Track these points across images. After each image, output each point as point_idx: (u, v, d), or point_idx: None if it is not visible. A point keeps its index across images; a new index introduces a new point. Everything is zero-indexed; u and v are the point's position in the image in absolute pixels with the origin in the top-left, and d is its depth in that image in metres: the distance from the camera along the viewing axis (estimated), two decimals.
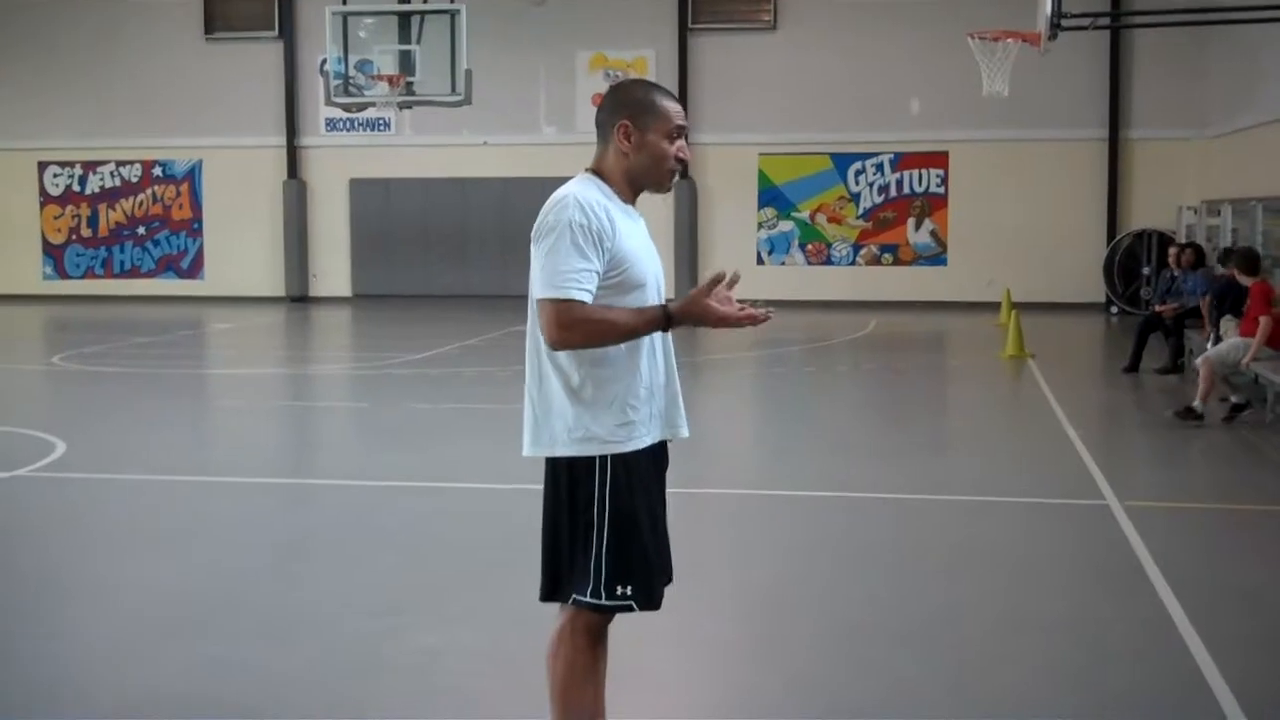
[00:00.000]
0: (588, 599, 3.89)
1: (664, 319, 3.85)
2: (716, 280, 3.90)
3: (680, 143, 3.98)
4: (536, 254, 3.82)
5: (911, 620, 6.13)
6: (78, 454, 10.34)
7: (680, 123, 3.97)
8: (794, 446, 11.22)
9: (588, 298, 3.76)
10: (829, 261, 26.77)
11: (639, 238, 3.96)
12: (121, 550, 7.64)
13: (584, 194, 3.84)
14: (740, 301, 3.93)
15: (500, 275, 26.03)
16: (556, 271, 3.75)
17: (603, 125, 3.99)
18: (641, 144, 3.93)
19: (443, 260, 27.53)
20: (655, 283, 3.98)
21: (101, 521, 8.39)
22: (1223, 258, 15.30)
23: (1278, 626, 6.20)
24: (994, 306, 23.02)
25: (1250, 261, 12.49)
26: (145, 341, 19.71)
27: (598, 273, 3.79)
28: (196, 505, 8.86)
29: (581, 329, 3.75)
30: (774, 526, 8.30)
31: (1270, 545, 7.82)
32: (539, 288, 3.80)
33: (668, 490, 4.13)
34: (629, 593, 3.89)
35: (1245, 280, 12.29)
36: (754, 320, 3.90)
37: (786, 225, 26.87)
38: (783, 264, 26.87)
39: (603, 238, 3.79)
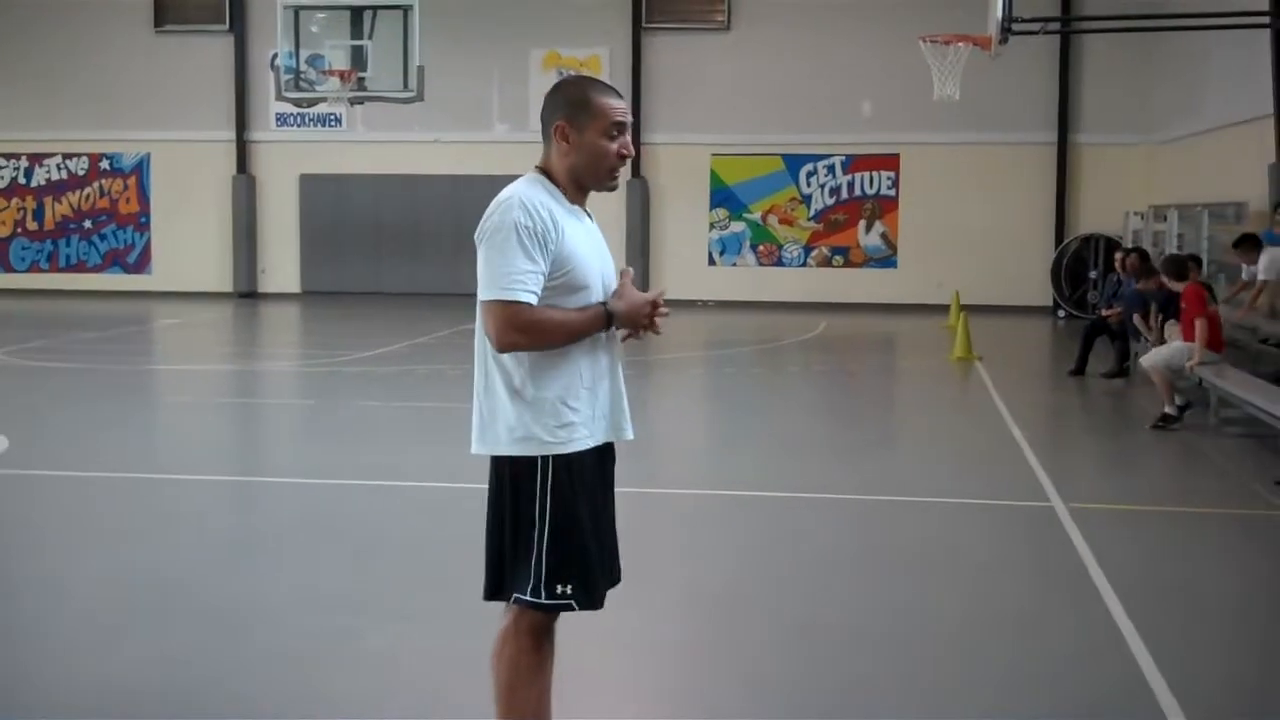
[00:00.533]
0: (528, 598, 3.90)
1: (605, 316, 3.88)
2: (626, 275, 3.99)
3: (623, 139, 3.94)
4: (481, 255, 3.83)
5: (862, 620, 6.17)
6: (21, 450, 10.23)
7: (618, 119, 3.92)
8: (745, 447, 11.25)
9: (533, 299, 3.77)
10: (780, 263, 26.88)
11: (585, 239, 3.94)
12: (68, 547, 7.56)
13: (528, 194, 3.84)
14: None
15: (451, 273, 25.94)
16: (502, 273, 3.76)
17: (544, 125, 3.97)
18: (580, 143, 3.90)
19: (393, 257, 27.44)
20: (602, 285, 3.97)
21: (47, 518, 8.30)
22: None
23: (1215, 626, 6.30)
24: (943, 309, 23.18)
25: (1177, 267, 12.70)
26: (91, 337, 19.53)
27: (543, 274, 3.80)
28: (143, 502, 8.79)
29: (528, 331, 3.77)
30: (725, 527, 8.32)
31: (1209, 547, 7.92)
32: (484, 289, 3.80)
33: (617, 490, 4.14)
34: (569, 592, 3.90)
35: (1176, 286, 12.48)
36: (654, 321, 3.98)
37: (738, 226, 26.96)
38: (734, 265, 26.95)
39: (547, 239, 3.79)
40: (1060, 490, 9.00)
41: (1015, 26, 15.97)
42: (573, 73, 26.62)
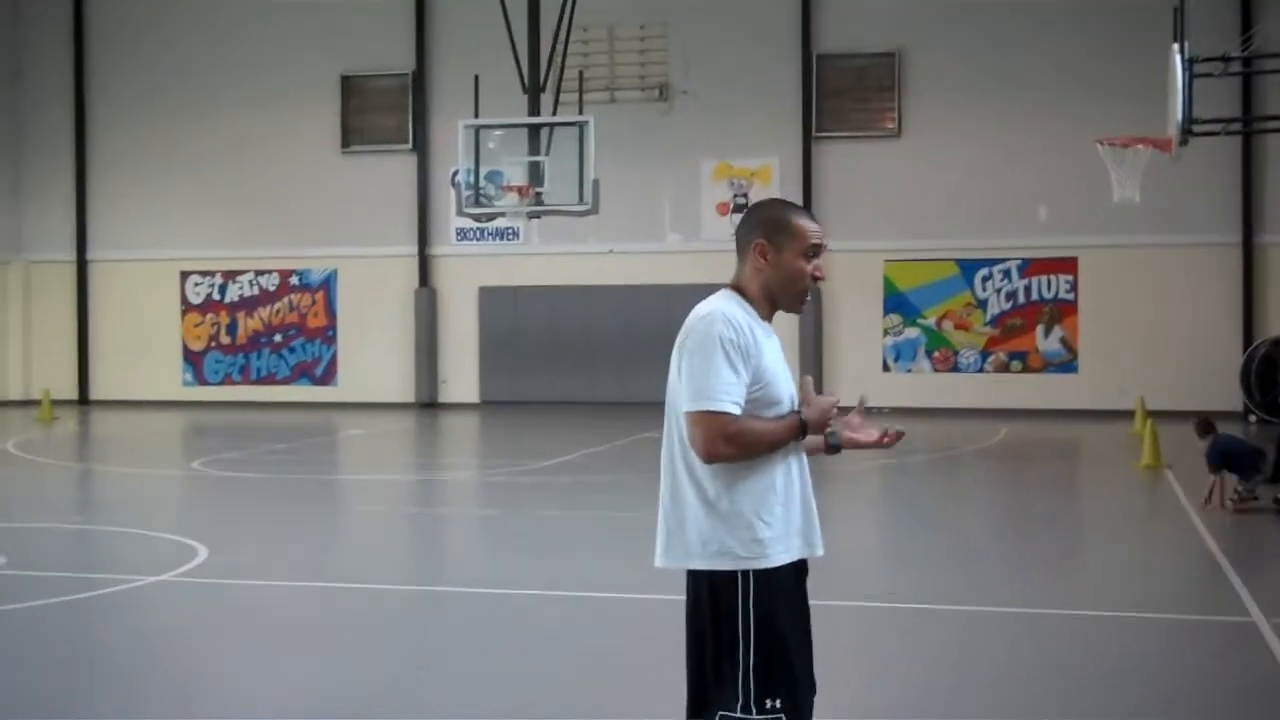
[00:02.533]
0: (738, 714, 3.90)
1: (800, 424, 3.95)
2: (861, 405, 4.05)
3: (817, 261, 4.07)
4: (685, 368, 3.91)
5: None
6: (218, 559, 10.58)
7: (816, 241, 4.05)
8: (923, 559, 11.09)
9: (738, 410, 3.85)
10: (956, 369, 26.56)
11: (776, 356, 4.04)
12: (263, 654, 7.80)
13: (729, 310, 3.95)
14: (870, 410, 4.05)
15: (626, 382, 26.22)
16: (709, 385, 3.84)
17: (741, 243, 4.09)
18: (778, 262, 4.02)
19: (569, 367, 27.81)
20: (790, 401, 4.05)
21: (243, 626, 8.57)
22: None
23: None
24: (1127, 414, 22.61)
25: None
26: (281, 448, 20.15)
27: (745, 386, 3.89)
28: (332, 611, 9.01)
29: (737, 441, 3.85)
30: (904, 641, 8.20)
31: None
32: (689, 401, 3.88)
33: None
34: (778, 705, 3.90)
35: None
36: (881, 443, 4.04)
37: (913, 332, 26.76)
38: (909, 371, 26.72)
39: (748, 353, 3.89)
40: (1261, 604, 8.66)
41: (1196, 128, 15.71)
42: (744, 183, 26.97)
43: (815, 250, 4.06)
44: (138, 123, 29.44)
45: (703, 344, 3.89)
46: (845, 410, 4.17)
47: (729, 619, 3.91)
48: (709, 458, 3.87)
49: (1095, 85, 25.03)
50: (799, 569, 4.06)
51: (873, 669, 7.47)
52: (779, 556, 3.94)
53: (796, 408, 4.03)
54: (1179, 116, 15.47)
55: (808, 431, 3.98)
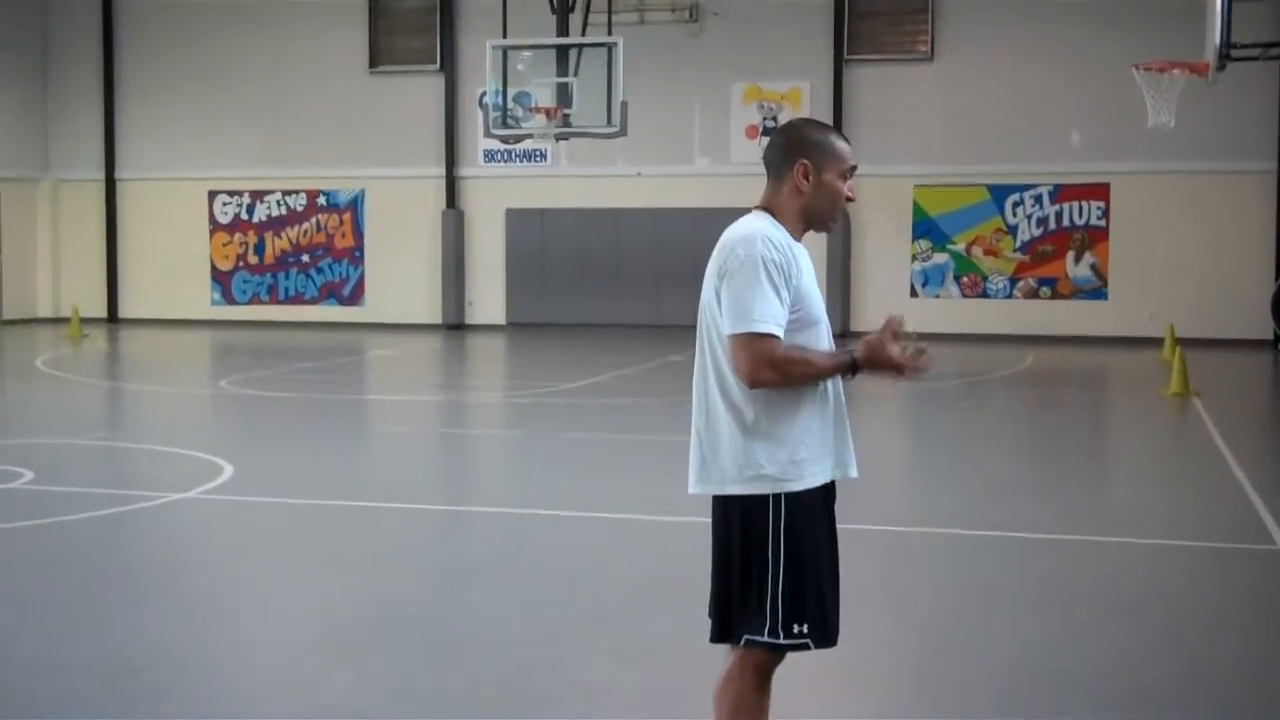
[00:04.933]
0: (764, 639, 3.90)
1: (852, 365, 3.91)
2: (890, 324, 3.96)
3: (850, 182, 4.05)
4: (726, 290, 3.85)
5: (1072, 664, 6.02)
6: (245, 477, 10.66)
7: (853, 163, 4.06)
8: (949, 484, 11.08)
9: (781, 333, 3.82)
10: (985, 294, 26.42)
11: (811, 275, 4.02)
12: (288, 572, 7.87)
13: (768, 230, 3.91)
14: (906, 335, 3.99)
15: (653, 305, 26.22)
16: (753, 306, 3.80)
17: (777, 164, 4.02)
18: (819, 183, 3.98)
19: (596, 289, 27.78)
20: (827, 322, 4.05)
21: (269, 543, 8.64)
22: None
23: None
24: (1156, 342, 22.48)
25: None
26: (309, 367, 20.23)
27: (786, 308, 3.85)
28: (359, 530, 9.07)
29: (781, 367, 3.81)
30: (929, 565, 8.21)
31: None
32: (731, 323, 3.83)
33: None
34: (805, 631, 3.91)
35: None
36: (916, 369, 3.94)
37: (941, 257, 26.60)
38: (937, 296, 26.59)
39: (789, 274, 3.86)
40: None
41: (1234, 52, 15.48)
42: (774, 106, 26.74)
43: (851, 171, 4.06)
44: (166, 41, 29.33)
45: (745, 265, 3.83)
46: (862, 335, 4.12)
47: (759, 544, 3.89)
48: (752, 383, 3.83)
49: (1131, 8, 24.66)
50: (828, 494, 4.04)
51: (900, 593, 7.48)
52: (814, 478, 3.92)
53: (831, 334, 4.04)
54: (1217, 40, 15.26)
55: (859, 372, 3.94)
